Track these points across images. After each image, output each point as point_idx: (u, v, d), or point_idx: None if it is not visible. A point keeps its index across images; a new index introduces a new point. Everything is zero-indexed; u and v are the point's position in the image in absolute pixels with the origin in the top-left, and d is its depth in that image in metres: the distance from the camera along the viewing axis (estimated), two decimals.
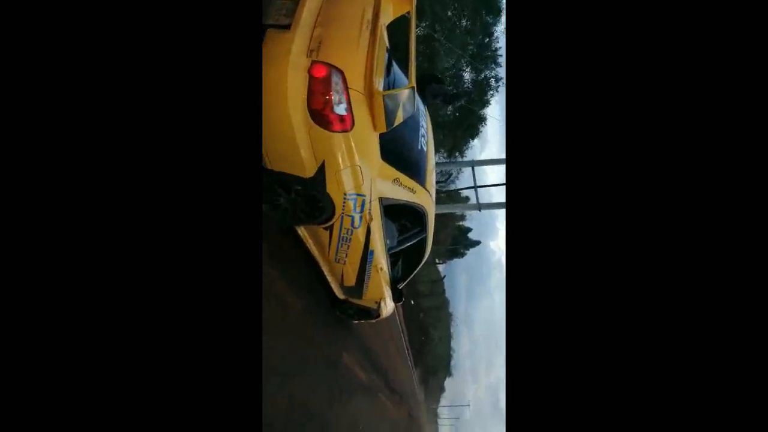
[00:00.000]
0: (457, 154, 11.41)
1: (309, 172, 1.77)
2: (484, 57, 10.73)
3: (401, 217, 2.54)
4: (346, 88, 1.68)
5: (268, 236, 2.31)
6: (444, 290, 28.76)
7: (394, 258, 2.68)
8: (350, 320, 3.49)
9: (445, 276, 27.41)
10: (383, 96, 1.73)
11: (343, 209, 1.94)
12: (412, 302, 16.68)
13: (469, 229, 27.18)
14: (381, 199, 2.06)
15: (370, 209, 2.02)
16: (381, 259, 2.40)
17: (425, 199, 2.46)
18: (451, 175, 13.32)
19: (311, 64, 1.66)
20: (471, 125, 10.90)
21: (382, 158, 1.96)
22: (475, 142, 12.01)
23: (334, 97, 1.64)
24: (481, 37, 10.56)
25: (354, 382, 4.06)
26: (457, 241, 25.00)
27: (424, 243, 2.78)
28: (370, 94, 1.74)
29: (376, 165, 1.94)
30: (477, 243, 29.78)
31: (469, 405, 64.49)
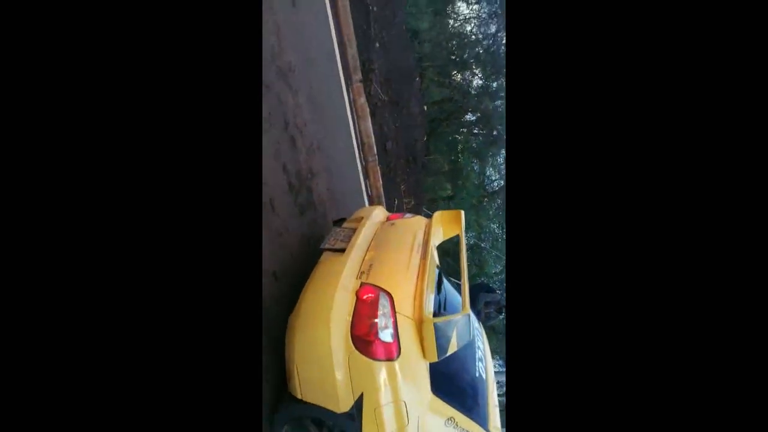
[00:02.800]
0: None
1: (344, 406, 1.49)
2: None
3: None
4: (394, 313, 1.55)
5: None
6: None
7: None
8: None
9: None
10: (434, 323, 1.55)
11: None
12: None
13: None
14: None
15: None
16: None
17: None
18: None
19: (360, 285, 1.62)
20: None
21: (433, 392, 1.64)
22: None
23: (380, 322, 1.50)
24: None
25: None
26: None
27: None
28: (419, 319, 1.59)
29: (425, 400, 1.61)
30: None
31: None
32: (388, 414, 1.49)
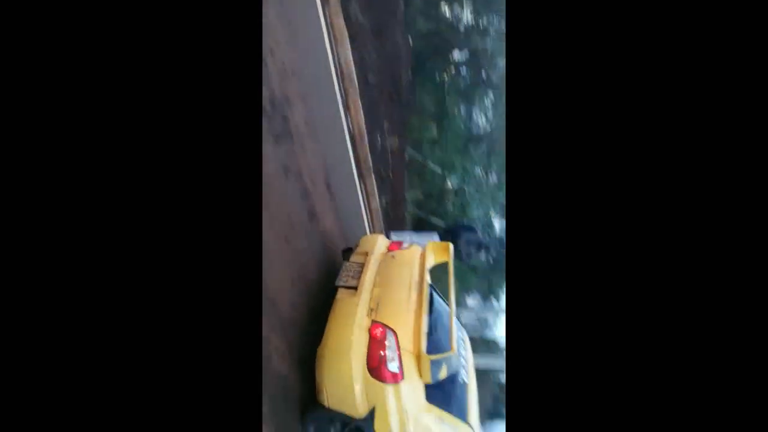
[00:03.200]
0: (492, 298, 10.86)
1: (361, 413, 2.05)
2: None
3: None
4: (399, 348, 2.06)
5: None
6: None
7: None
8: None
9: None
10: (429, 360, 2.07)
11: None
12: None
13: None
14: None
15: None
16: None
17: None
18: (487, 320, 12.66)
19: (371, 323, 2.11)
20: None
21: (427, 400, 2.16)
22: None
23: (388, 354, 2.03)
24: None
25: None
26: (499, 400, 23.55)
27: None
28: (417, 354, 2.09)
29: (422, 407, 2.14)
30: None
31: None
32: (393, 420, 2.05)
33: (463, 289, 9.87)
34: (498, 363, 10.58)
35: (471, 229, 5.95)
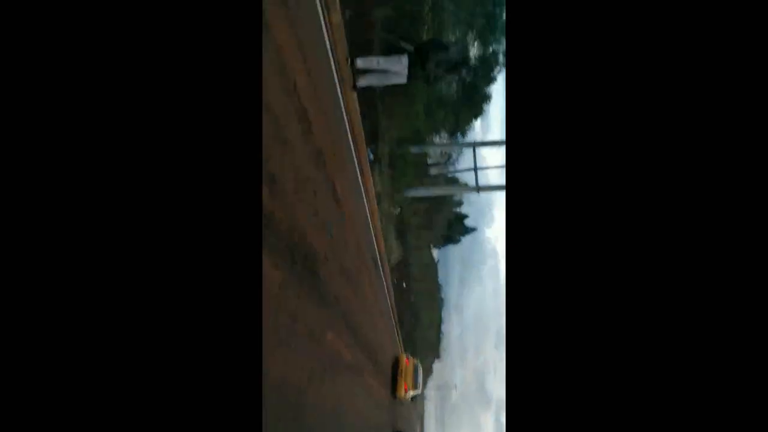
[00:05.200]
0: (459, 134, 11.14)
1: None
2: (492, 29, 9.63)
3: None
4: None
5: None
6: (437, 275, 29.34)
7: None
8: None
9: (438, 261, 28.38)
10: None
11: None
12: (404, 285, 15.85)
13: (465, 216, 27.66)
14: None
15: None
16: None
17: None
18: (450, 157, 12.91)
19: None
20: (475, 103, 10.51)
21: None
22: (478, 122, 11.46)
23: None
24: (491, 7, 9.54)
25: (338, 360, 3.96)
26: (453, 227, 25.33)
27: None
28: None
29: None
30: (472, 230, 30.15)
31: (455, 387, 62.57)
32: None
33: (433, 128, 9.89)
34: (455, 190, 12.81)
35: (442, 46, 5.30)
